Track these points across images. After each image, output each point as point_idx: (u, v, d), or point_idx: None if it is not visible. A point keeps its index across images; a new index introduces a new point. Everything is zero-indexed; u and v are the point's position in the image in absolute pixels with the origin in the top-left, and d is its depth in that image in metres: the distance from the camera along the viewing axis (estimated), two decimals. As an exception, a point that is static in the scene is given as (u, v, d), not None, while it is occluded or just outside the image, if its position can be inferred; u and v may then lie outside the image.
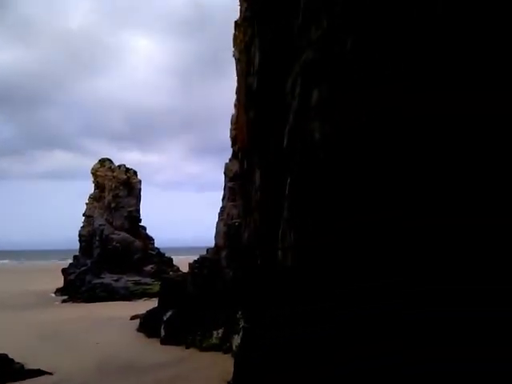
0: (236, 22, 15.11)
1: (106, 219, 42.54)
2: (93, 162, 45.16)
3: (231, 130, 21.86)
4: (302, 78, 7.68)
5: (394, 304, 3.90)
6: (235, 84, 17.14)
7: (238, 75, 15.84)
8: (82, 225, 44.68)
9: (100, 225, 41.90)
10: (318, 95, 7.16)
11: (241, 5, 14.28)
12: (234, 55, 16.32)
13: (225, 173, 23.60)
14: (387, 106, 4.56)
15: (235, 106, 19.34)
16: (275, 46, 8.76)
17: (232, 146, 21.80)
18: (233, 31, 15.86)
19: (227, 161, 23.27)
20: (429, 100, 3.84)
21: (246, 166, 14.79)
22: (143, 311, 24.84)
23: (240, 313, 14.02)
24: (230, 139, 22.28)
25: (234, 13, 15.48)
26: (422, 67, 3.97)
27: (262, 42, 9.39)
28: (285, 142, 8.24)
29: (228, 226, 19.32)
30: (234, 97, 19.27)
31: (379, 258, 4.13)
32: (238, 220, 16.74)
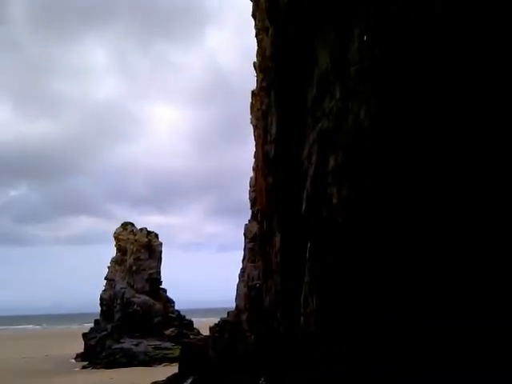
0: (253, 91, 15.87)
1: (127, 282, 42.66)
2: (115, 226, 46.15)
3: (250, 191, 22.30)
4: (318, 146, 7.99)
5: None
6: (253, 148, 17.73)
7: (255, 141, 16.41)
8: (103, 288, 44.86)
9: (121, 288, 41.99)
10: (334, 162, 7.41)
11: (257, 75, 15.06)
12: (251, 122, 16.98)
13: (244, 234, 23.81)
14: (398, 170, 4.70)
15: (253, 169, 19.84)
16: (291, 116, 9.19)
17: (251, 208, 22.14)
18: (250, 100, 16.61)
19: (247, 222, 23.56)
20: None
21: (265, 227, 15.00)
22: (163, 377, 24.28)
23: (262, 379, 13.70)
24: (249, 201, 22.69)
25: (251, 82, 16.31)
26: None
27: (278, 111, 9.86)
28: (303, 207, 8.45)
29: (249, 287, 19.26)
30: (252, 160, 19.85)
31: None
32: (258, 282, 16.73)
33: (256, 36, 13.74)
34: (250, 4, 13.63)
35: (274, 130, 10.14)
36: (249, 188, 22.78)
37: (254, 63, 15.07)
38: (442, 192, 3.70)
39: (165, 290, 44.90)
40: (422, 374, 3.58)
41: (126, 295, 41.46)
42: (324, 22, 7.02)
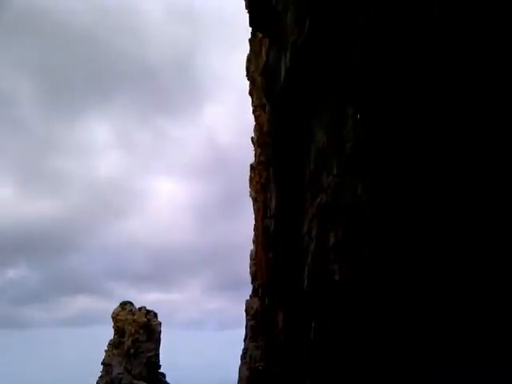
0: (251, 165, 16.08)
1: (124, 367, 40.88)
2: (113, 305, 45.11)
3: (251, 265, 21.93)
4: (318, 221, 7.93)
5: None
6: (253, 221, 17.66)
7: (255, 214, 16.39)
8: (99, 374, 42.90)
9: (118, 373, 40.18)
10: (334, 238, 7.32)
11: (255, 150, 15.32)
12: (250, 195, 17.06)
13: (246, 310, 23.10)
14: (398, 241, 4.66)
15: (254, 242, 19.65)
16: (290, 191, 9.21)
17: (252, 282, 21.66)
18: (248, 173, 16.80)
19: (248, 297, 22.95)
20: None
21: (267, 303, 14.57)
22: None
23: None
24: (249, 275, 22.24)
25: (249, 156, 16.57)
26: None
27: (277, 186, 9.90)
28: (305, 283, 8.23)
29: (251, 369, 18.35)
30: (252, 233, 19.70)
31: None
32: (261, 363, 15.99)
33: (253, 112, 14.13)
34: (247, 83, 14.16)
35: (273, 204, 10.13)
36: (249, 261, 22.43)
37: (252, 138, 15.39)
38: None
39: (163, 375, 42.98)
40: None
41: (123, 382, 39.69)
42: (319, 101, 7.21)
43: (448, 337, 3.44)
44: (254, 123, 14.37)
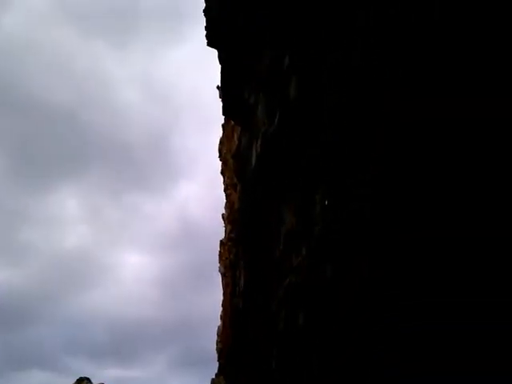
0: (221, 240, 16.26)
1: None
2: (71, 380, 42.31)
3: (217, 342, 21.38)
4: (287, 302, 8.06)
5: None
6: (221, 297, 17.53)
7: (223, 289, 16.33)
8: None
9: None
10: (303, 318, 7.45)
11: (226, 226, 15.59)
12: (219, 270, 17.08)
13: (211, 389, 22.17)
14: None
15: (221, 317, 19.35)
16: (259, 270, 9.38)
17: (218, 360, 21.01)
18: (218, 248, 16.94)
19: (213, 375, 22.12)
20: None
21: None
22: None
23: None
24: (215, 351, 21.61)
25: (220, 232, 16.79)
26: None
27: (245, 265, 10.07)
28: (273, 364, 8.22)
29: None
30: (220, 309, 19.44)
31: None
32: None
33: (224, 191, 14.56)
34: (220, 163, 14.74)
35: (242, 282, 10.22)
36: (216, 338, 21.89)
37: (223, 214, 15.72)
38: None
39: None
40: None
41: None
42: (289, 186, 7.62)
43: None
44: (225, 201, 14.79)
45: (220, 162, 14.55)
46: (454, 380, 3.34)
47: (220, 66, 9.33)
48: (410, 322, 3.69)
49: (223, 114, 9.58)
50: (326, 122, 4.85)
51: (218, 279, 18.33)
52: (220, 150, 14.30)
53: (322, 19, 4.93)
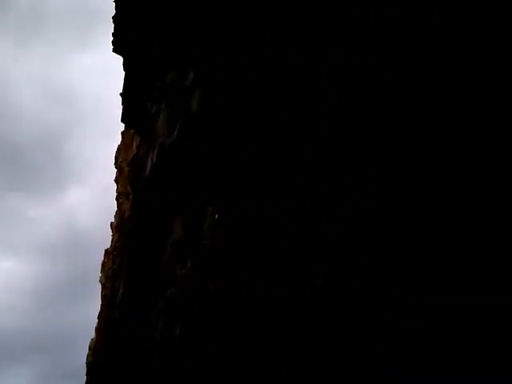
0: (106, 250, 15.69)
1: None
2: None
3: (88, 355, 20.30)
4: (165, 313, 8.08)
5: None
6: (98, 308, 16.77)
7: (101, 300, 15.71)
8: None
9: None
10: (180, 331, 7.53)
11: (113, 235, 15.12)
12: (100, 280, 16.41)
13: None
14: None
15: (96, 330, 18.48)
16: (141, 280, 9.25)
17: (86, 374, 19.92)
18: (102, 258, 16.29)
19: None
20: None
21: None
22: None
23: None
24: (85, 366, 20.48)
25: (106, 242, 16.20)
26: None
27: (127, 274, 9.88)
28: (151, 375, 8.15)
29: None
30: (95, 320, 18.55)
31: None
32: None
33: (117, 199, 14.17)
34: (115, 171, 14.35)
35: (120, 294, 9.99)
36: (87, 351, 20.79)
37: (112, 223, 15.22)
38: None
39: None
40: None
41: None
42: (180, 199, 7.73)
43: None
44: (116, 209, 14.36)
45: (115, 170, 14.19)
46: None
47: (124, 73, 9.27)
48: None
49: (122, 121, 9.46)
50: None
51: (98, 291, 17.56)
52: (116, 158, 13.95)
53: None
